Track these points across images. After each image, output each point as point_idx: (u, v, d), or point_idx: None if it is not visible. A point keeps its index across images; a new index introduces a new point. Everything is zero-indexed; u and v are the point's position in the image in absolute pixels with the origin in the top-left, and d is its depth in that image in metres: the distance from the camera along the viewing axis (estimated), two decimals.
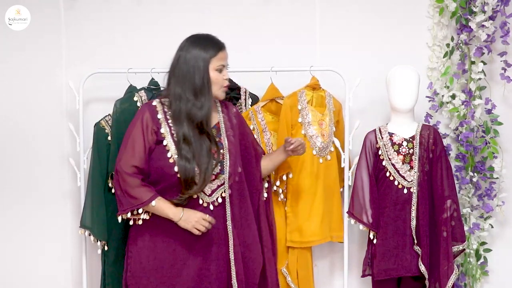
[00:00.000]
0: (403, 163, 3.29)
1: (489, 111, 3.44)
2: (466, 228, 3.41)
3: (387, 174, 3.30)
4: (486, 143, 3.42)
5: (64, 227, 3.66)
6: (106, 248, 3.25)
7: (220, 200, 2.81)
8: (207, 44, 2.80)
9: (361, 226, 3.35)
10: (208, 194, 2.79)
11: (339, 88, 3.44)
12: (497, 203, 3.47)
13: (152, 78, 3.41)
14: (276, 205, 3.33)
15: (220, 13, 3.62)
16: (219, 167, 2.81)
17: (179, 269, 2.77)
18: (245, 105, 3.43)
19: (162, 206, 2.73)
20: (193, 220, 2.72)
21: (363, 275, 3.39)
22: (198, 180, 2.72)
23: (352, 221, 3.35)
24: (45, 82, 3.64)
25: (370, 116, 3.55)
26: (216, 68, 2.80)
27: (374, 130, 3.39)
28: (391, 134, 3.34)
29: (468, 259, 3.48)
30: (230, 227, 2.82)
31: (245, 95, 3.45)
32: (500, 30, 3.38)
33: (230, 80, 3.41)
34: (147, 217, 2.77)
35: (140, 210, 2.75)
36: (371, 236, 3.33)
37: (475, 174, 3.44)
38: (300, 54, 3.60)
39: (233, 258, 2.81)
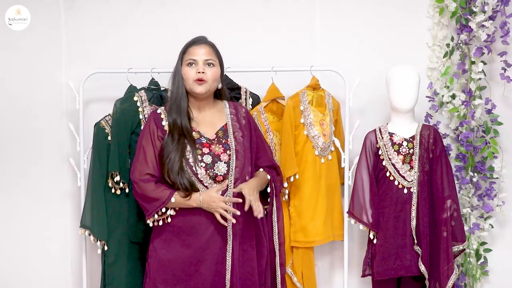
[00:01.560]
0: (403, 163, 3.29)
1: (489, 111, 3.44)
2: (466, 228, 3.41)
3: (387, 174, 3.30)
4: (486, 143, 3.42)
5: (64, 227, 3.66)
6: (106, 248, 3.25)
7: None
8: (187, 42, 2.95)
9: (361, 226, 3.35)
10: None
11: (339, 88, 3.44)
12: (497, 203, 3.47)
13: (152, 78, 3.41)
14: None
15: (220, 13, 3.62)
16: (226, 168, 2.83)
17: (193, 272, 2.82)
18: (246, 105, 3.43)
19: (181, 200, 2.80)
20: (214, 205, 2.78)
21: (363, 275, 3.39)
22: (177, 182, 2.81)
23: (352, 221, 3.35)
24: (45, 82, 3.64)
25: (370, 116, 3.55)
26: (187, 63, 2.89)
27: (374, 130, 3.39)
28: (391, 134, 3.34)
29: (468, 259, 3.48)
30: (230, 227, 2.83)
31: (246, 95, 3.45)
32: (500, 30, 3.38)
33: (231, 80, 3.42)
34: (174, 213, 2.84)
35: (164, 209, 2.82)
36: (371, 236, 3.33)
37: (475, 174, 3.44)
38: (300, 54, 3.60)
39: (229, 260, 2.83)
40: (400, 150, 3.31)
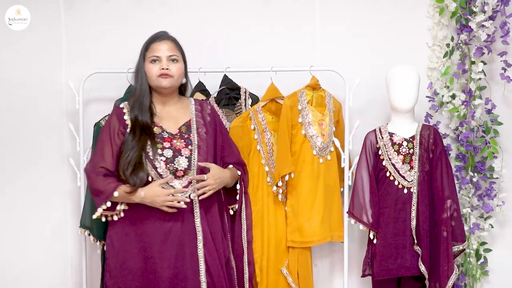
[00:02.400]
0: (403, 163, 3.29)
1: (489, 111, 3.44)
2: (466, 228, 3.41)
3: (387, 174, 3.30)
4: (486, 143, 3.42)
5: (64, 227, 3.66)
6: (105, 248, 3.25)
7: (193, 196, 2.83)
8: (148, 38, 2.94)
9: (361, 226, 3.35)
10: None
11: (339, 88, 3.44)
12: (497, 203, 3.46)
13: None
14: (276, 205, 3.33)
15: (220, 13, 3.63)
16: (187, 163, 2.82)
17: (153, 267, 2.79)
18: (245, 105, 3.43)
19: (125, 194, 2.78)
20: (159, 200, 2.76)
21: (363, 275, 3.39)
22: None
23: (352, 221, 3.35)
24: (45, 82, 3.64)
25: (370, 116, 3.55)
26: (150, 60, 2.88)
27: (374, 130, 3.39)
28: (391, 134, 3.34)
29: (468, 259, 3.48)
30: (199, 223, 2.82)
31: (245, 95, 3.45)
32: (500, 30, 3.38)
33: (230, 80, 3.42)
34: (126, 207, 2.82)
35: (116, 205, 2.79)
36: (371, 236, 3.33)
37: (475, 174, 3.44)
38: (300, 54, 3.60)
39: (202, 255, 2.81)
40: (400, 150, 3.31)
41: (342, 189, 3.46)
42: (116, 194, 2.76)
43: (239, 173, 3.01)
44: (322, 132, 3.36)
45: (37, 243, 3.66)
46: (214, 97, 3.40)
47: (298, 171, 3.29)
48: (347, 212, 3.36)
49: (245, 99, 3.44)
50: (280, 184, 3.27)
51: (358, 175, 3.35)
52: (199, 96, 3.43)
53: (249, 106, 3.42)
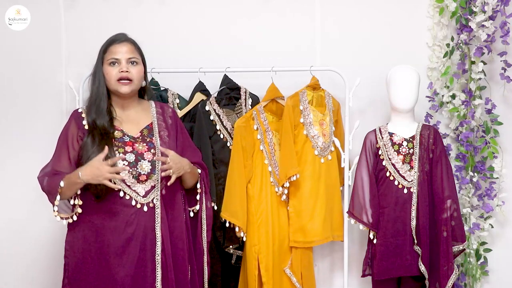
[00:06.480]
0: (403, 163, 3.30)
1: (489, 111, 3.44)
2: (466, 228, 3.41)
3: (387, 174, 3.30)
4: (486, 143, 3.42)
5: (64, 227, 3.64)
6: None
7: (156, 201, 2.75)
8: (106, 40, 2.83)
9: (361, 226, 3.35)
10: (142, 195, 2.73)
11: (339, 88, 3.44)
12: (497, 203, 3.46)
13: (152, 78, 3.41)
14: (279, 205, 3.34)
15: (220, 14, 3.63)
16: (150, 167, 2.75)
17: (113, 273, 2.72)
18: (245, 105, 3.43)
19: (68, 181, 2.67)
20: (100, 176, 2.62)
21: (363, 275, 3.39)
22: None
23: (352, 221, 3.35)
24: (45, 82, 3.64)
25: (370, 116, 3.56)
26: (109, 62, 2.79)
27: (374, 130, 3.39)
28: (391, 134, 3.34)
29: (468, 259, 3.48)
30: (159, 229, 2.74)
31: (245, 95, 3.45)
32: (500, 30, 3.38)
33: (230, 80, 3.42)
34: (80, 203, 2.73)
35: (73, 201, 2.72)
36: (371, 236, 3.33)
37: (475, 174, 3.44)
38: (300, 54, 3.60)
39: (159, 261, 2.74)
40: (400, 150, 3.31)
41: (341, 187, 3.46)
42: (62, 184, 2.65)
43: (199, 171, 2.92)
44: (323, 132, 3.36)
45: (37, 244, 3.66)
46: (214, 97, 3.40)
47: (300, 172, 3.29)
48: (347, 212, 3.36)
49: (245, 99, 3.44)
50: (287, 185, 3.27)
51: (358, 175, 3.35)
52: (199, 96, 3.43)
53: (249, 106, 3.42)
